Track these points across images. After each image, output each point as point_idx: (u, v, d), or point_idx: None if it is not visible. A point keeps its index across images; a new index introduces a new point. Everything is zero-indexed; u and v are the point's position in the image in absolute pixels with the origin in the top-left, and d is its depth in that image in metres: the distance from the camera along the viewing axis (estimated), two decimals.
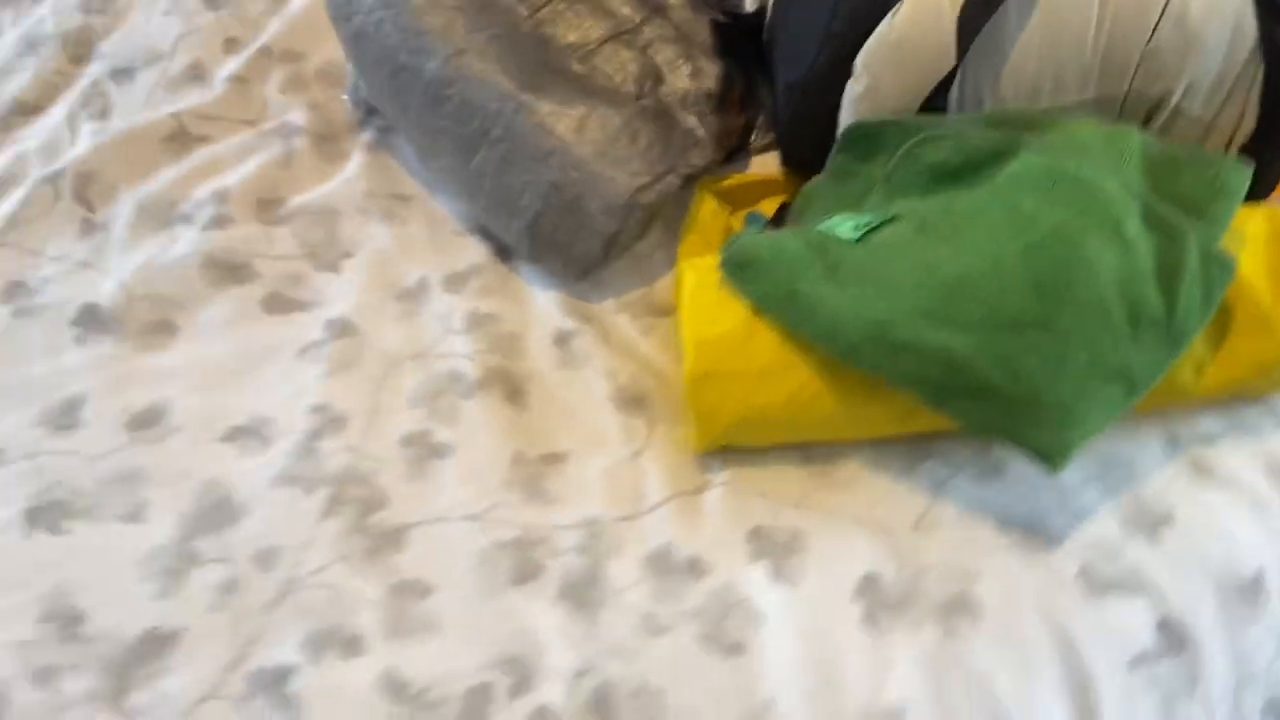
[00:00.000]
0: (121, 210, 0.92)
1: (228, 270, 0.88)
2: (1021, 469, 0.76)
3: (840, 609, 0.70)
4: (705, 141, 0.83)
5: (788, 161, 0.87)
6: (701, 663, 0.69)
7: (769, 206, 0.89)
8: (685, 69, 0.85)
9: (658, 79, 0.85)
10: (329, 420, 0.80)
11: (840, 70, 0.75)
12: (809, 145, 0.80)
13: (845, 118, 0.76)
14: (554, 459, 0.78)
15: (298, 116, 0.99)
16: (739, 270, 0.70)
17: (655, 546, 0.74)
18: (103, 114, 0.99)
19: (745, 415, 0.73)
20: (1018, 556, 0.71)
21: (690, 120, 0.83)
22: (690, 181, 0.83)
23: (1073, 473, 0.75)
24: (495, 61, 0.81)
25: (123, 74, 1.03)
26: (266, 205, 0.92)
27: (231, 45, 1.04)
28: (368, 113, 0.99)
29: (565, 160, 0.79)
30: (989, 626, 0.69)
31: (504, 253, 0.90)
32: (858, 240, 0.69)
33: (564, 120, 0.80)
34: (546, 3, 0.84)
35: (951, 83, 0.71)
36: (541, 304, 0.86)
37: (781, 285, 0.67)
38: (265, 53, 1.03)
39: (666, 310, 0.87)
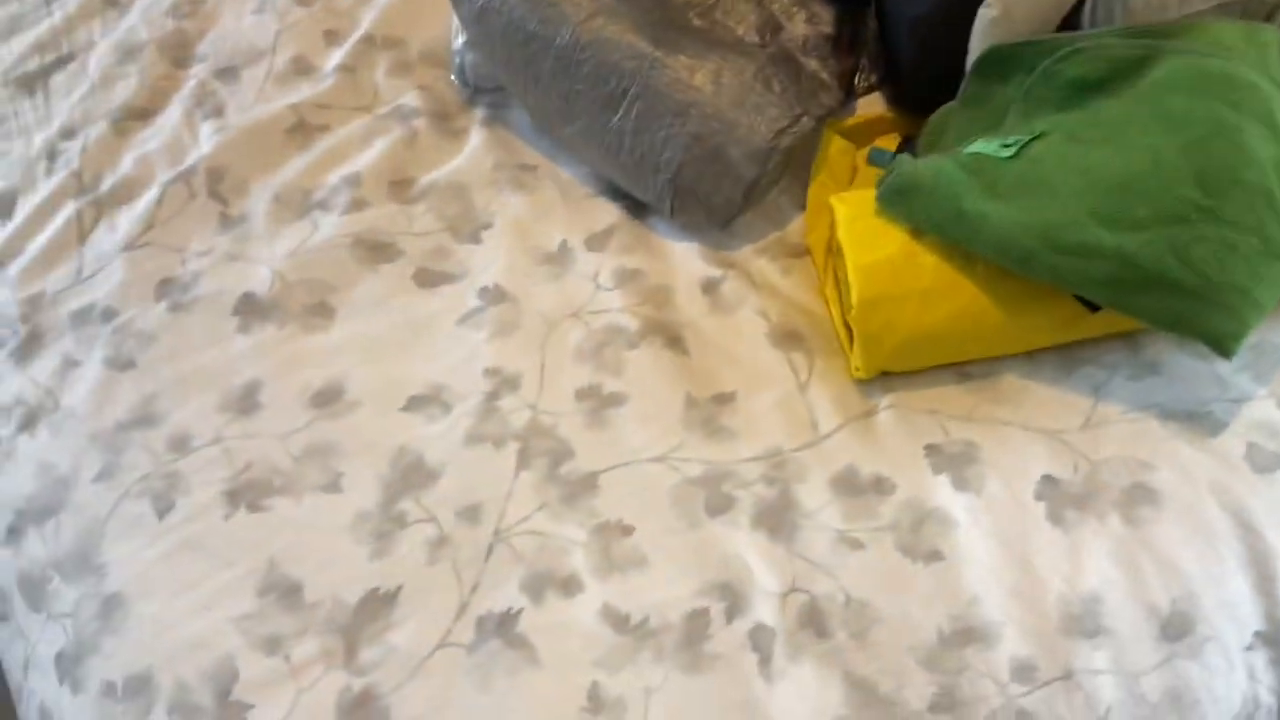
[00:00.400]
0: (257, 202, 0.95)
1: (374, 250, 0.91)
2: (1176, 364, 0.80)
3: (1025, 509, 0.74)
4: (831, 84, 0.86)
5: (902, 99, 0.91)
6: (904, 570, 0.73)
7: (886, 143, 0.92)
8: (801, 15, 0.88)
9: (776, 27, 0.88)
10: (503, 381, 0.83)
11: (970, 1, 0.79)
12: (932, 79, 0.84)
13: (976, 46, 0.79)
14: (724, 398, 0.81)
15: (410, 99, 1.01)
16: (900, 197, 0.74)
17: (839, 469, 0.77)
18: (218, 112, 1.01)
19: (912, 336, 0.76)
20: (1186, 443, 0.76)
21: (813, 64, 0.87)
22: (820, 123, 0.86)
23: (1225, 364, 0.79)
24: (625, 21, 0.84)
25: (227, 73, 1.05)
26: (398, 186, 0.95)
27: (331, 37, 1.07)
28: (475, 91, 1.02)
29: (704, 111, 0.82)
30: (1170, 511, 0.73)
31: (637, 211, 0.93)
32: (1011, 157, 0.72)
33: (699, 73, 0.83)
34: None
35: (1083, 3, 0.74)
36: (682, 256, 0.90)
37: (946, 206, 0.71)
38: (367, 41, 1.05)
39: (800, 251, 0.90)
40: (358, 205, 0.93)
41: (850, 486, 0.76)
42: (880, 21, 0.88)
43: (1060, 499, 0.75)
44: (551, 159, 0.97)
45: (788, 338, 0.85)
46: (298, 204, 0.94)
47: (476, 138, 0.98)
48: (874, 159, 0.91)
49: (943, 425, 0.79)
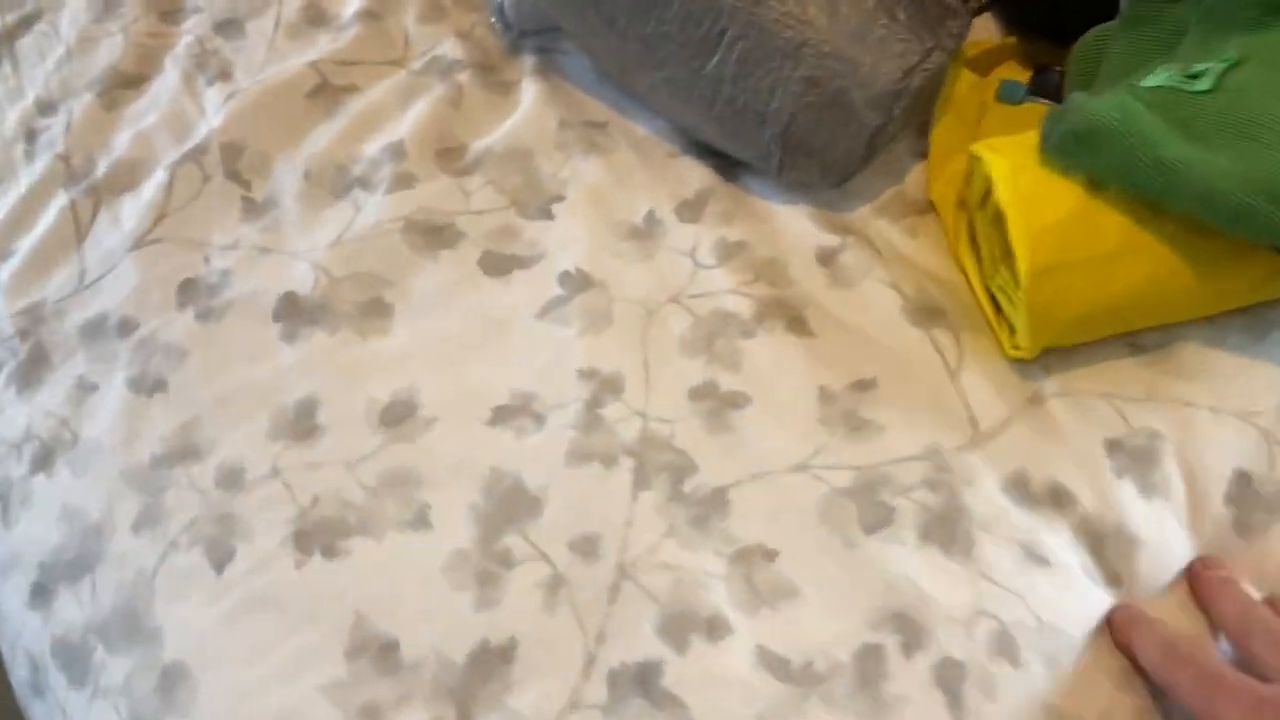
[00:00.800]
0: (285, 182, 0.81)
1: (430, 234, 0.78)
2: None
3: (1216, 524, 0.65)
4: (957, 6, 0.74)
5: (1027, 21, 0.79)
6: (1090, 596, 0.63)
7: (1013, 73, 0.80)
8: None
9: None
10: (602, 384, 0.71)
11: None
12: (1097, 7, 0.72)
13: None
14: (864, 386, 0.70)
15: (448, 49, 0.87)
16: (1080, 144, 0.62)
17: (1009, 472, 0.67)
18: (224, 75, 0.87)
19: (1089, 308, 0.66)
20: None
21: None
22: (950, 57, 0.74)
23: None
24: None
25: (229, 26, 0.90)
26: (448, 155, 0.82)
27: None
28: (520, 34, 0.88)
29: (820, 50, 0.70)
30: None
31: (730, 169, 0.80)
32: (1207, 90, 0.61)
33: (812, 5, 0.70)
34: None
35: None
36: (790, 221, 0.78)
37: (1141, 154, 0.60)
38: None
39: (924, 207, 0.79)
40: (404, 181, 0.80)
41: (1025, 493, 0.66)
42: None
43: (1250, 502, 0.66)
44: (621, 112, 0.84)
45: (926, 312, 0.73)
46: (333, 182, 0.81)
47: (530, 91, 0.85)
48: (1005, 94, 0.79)
49: (1120, 411, 0.69)
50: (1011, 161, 0.66)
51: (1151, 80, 0.65)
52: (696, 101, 0.75)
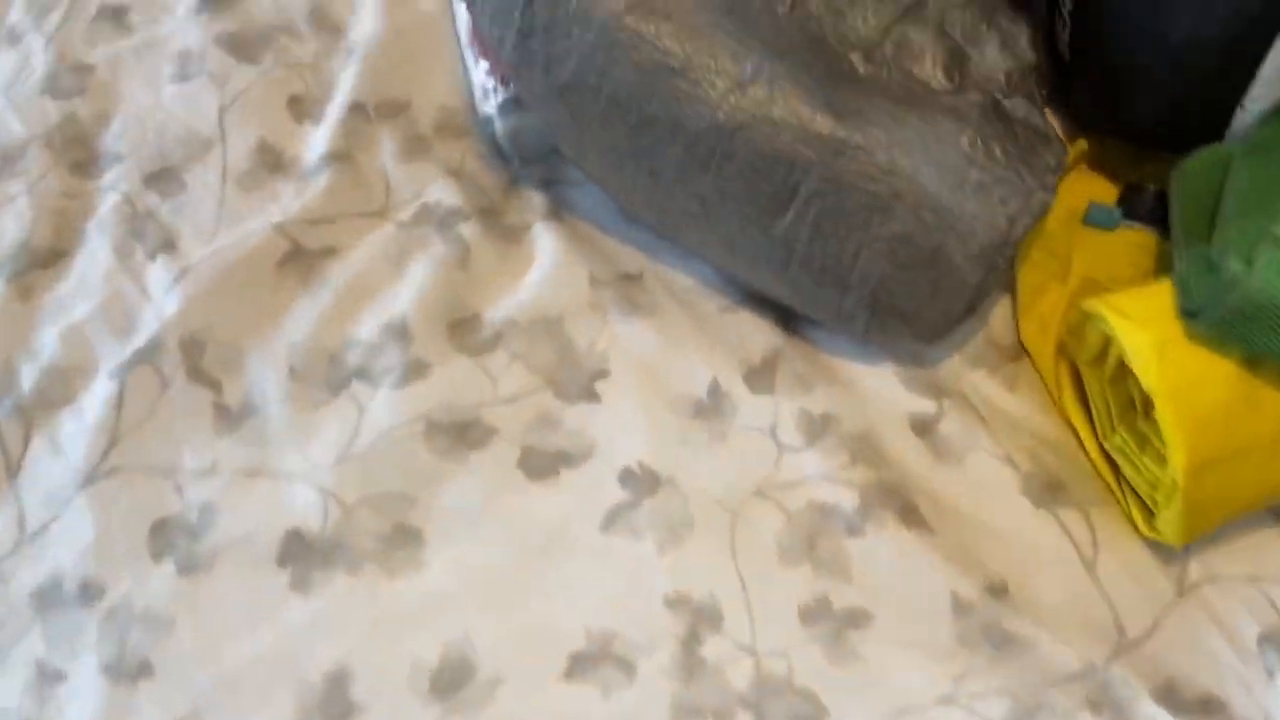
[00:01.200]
0: (265, 380, 0.66)
1: (455, 433, 0.65)
2: None
3: None
4: (1050, 134, 0.65)
5: (1120, 132, 0.71)
6: None
7: (1086, 185, 0.72)
8: (993, 40, 0.66)
9: (964, 61, 0.66)
10: (696, 615, 0.60)
11: (1274, 20, 0.58)
12: (1185, 113, 0.64)
13: (1274, 75, 0.59)
14: (997, 592, 0.61)
15: (440, 192, 0.73)
16: (1249, 323, 0.54)
17: (1160, 683, 0.58)
18: (167, 245, 0.71)
19: (1253, 497, 0.58)
20: None
21: (1023, 108, 0.65)
22: (1053, 194, 0.66)
23: None
24: (789, 86, 0.60)
25: (162, 178, 0.74)
26: (462, 329, 0.69)
27: (300, 107, 0.77)
28: (521, 163, 0.76)
29: (915, 203, 0.60)
30: None
31: (794, 321, 0.70)
32: None
33: (901, 150, 0.60)
34: None
35: None
36: (875, 383, 0.67)
37: None
38: (357, 111, 0.76)
39: (1017, 351, 0.70)
40: (415, 369, 0.67)
41: (1176, 705, 0.58)
42: (1101, 35, 0.67)
43: None
44: (656, 257, 0.72)
45: (1046, 488, 0.64)
46: (326, 375, 0.67)
47: (546, 239, 0.72)
48: (1097, 218, 0.70)
49: (1270, 598, 0.61)
50: (1152, 334, 0.58)
51: None
52: (764, 264, 0.64)
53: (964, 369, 0.68)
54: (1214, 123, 0.65)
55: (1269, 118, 0.62)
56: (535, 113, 0.66)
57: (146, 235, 0.72)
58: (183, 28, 0.80)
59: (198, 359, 0.67)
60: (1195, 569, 0.62)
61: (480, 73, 0.74)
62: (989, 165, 0.61)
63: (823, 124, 0.60)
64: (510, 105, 0.73)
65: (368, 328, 0.68)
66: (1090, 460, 0.65)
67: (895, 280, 0.62)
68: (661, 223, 0.67)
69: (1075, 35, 0.69)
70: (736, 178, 0.61)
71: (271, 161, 0.74)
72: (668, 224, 0.67)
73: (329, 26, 0.80)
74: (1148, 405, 0.62)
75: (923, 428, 0.66)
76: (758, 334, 0.69)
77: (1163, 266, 0.70)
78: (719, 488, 0.64)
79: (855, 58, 0.64)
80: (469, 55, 0.76)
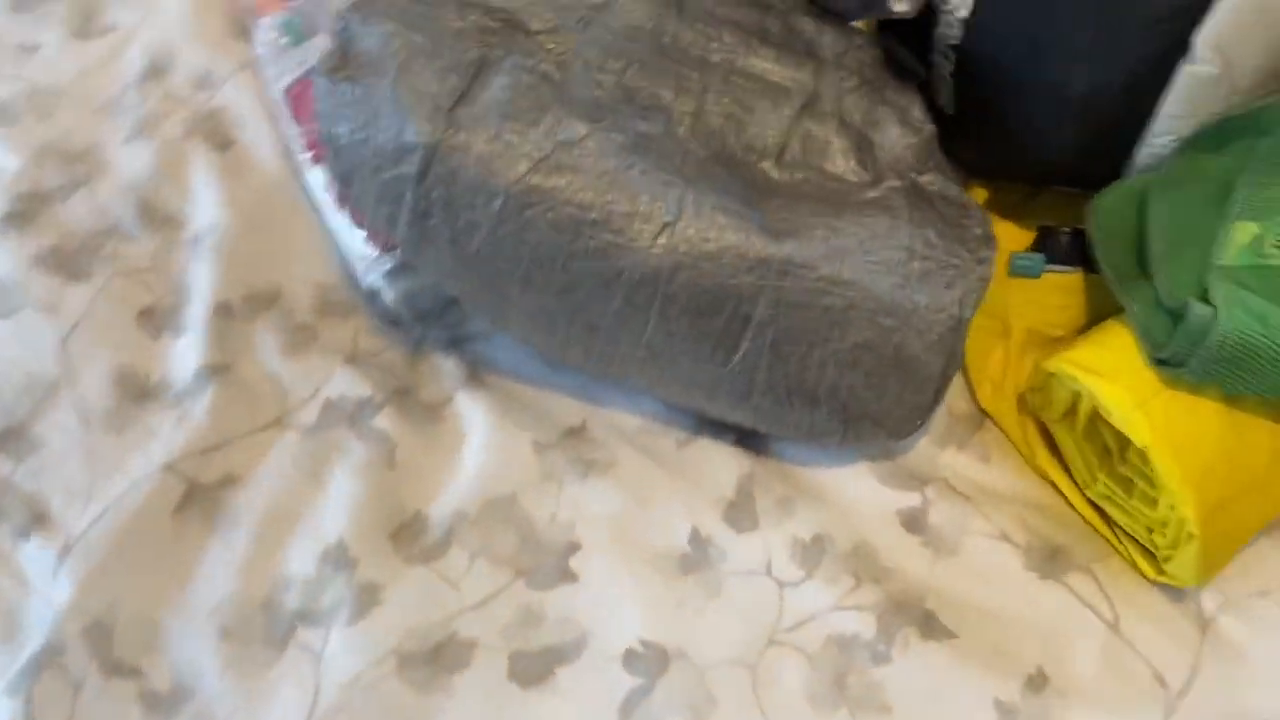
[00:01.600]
0: (192, 653, 0.57)
1: (431, 661, 0.57)
2: None
3: None
4: (970, 201, 0.63)
5: (1022, 177, 0.70)
6: None
7: (1000, 240, 0.71)
8: (890, 118, 0.63)
9: (870, 147, 0.63)
10: None
11: (1172, 59, 0.58)
12: (1104, 159, 0.64)
13: (1179, 112, 0.60)
14: (1037, 685, 0.58)
15: (342, 383, 0.65)
16: (1230, 366, 0.54)
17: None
18: (39, 520, 0.60)
19: (1259, 524, 0.58)
20: None
21: (939, 182, 0.63)
22: (992, 265, 0.64)
23: None
24: (717, 215, 0.55)
25: (10, 440, 0.63)
26: (407, 536, 0.61)
27: (154, 320, 0.66)
28: (420, 327, 0.68)
29: (870, 309, 0.57)
30: None
31: (755, 440, 0.65)
32: None
33: (844, 259, 0.57)
34: (702, 99, 0.59)
35: None
36: (855, 487, 0.64)
37: None
38: (223, 311, 0.67)
39: (978, 420, 0.68)
40: (367, 596, 0.58)
41: None
42: (991, 92, 0.66)
43: None
44: (594, 400, 0.66)
45: (1048, 557, 0.62)
46: (265, 631, 0.58)
47: (474, 409, 0.65)
48: (1022, 269, 0.69)
49: None
50: (1129, 390, 0.57)
51: (1233, 255, 0.58)
52: (724, 395, 0.60)
53: (935, 451, 0.66)
54: (1115, 159, 0.65)
55: (1178, 152, 0.63)
56: (440, 284, 0.59)
57: (8, 512, 0.61)
58: None
59: (108, 649, 0.57)
60: (1208, 601, 0.61)
61: (357, 241, 0.67)
62: (929, 253, 0.59)
63: (760, 247, 0.56)
64: (399, 270, 0.66)
65: (299, 561, 0.60)
66: (1080, 515, 0.65)
67: (864, 387, 0.59)
68: (603, 370, 0.62)
69: (960, 94, 0.68)
70: (681, 318, 0.57)
71: (136, 390, 0.65)
72: (611, 370, 0.62)
73: (163, 220, 0.71)
74: (1124, 448, 0.61)
75: (913, 523, 0.63)
76: (724, 463, 0.64)
77: (1095, 303, 0.70)
78: (730, 647, 0.59)
79: (767, 165, 0.60)
80: (336, 221, 0.69)
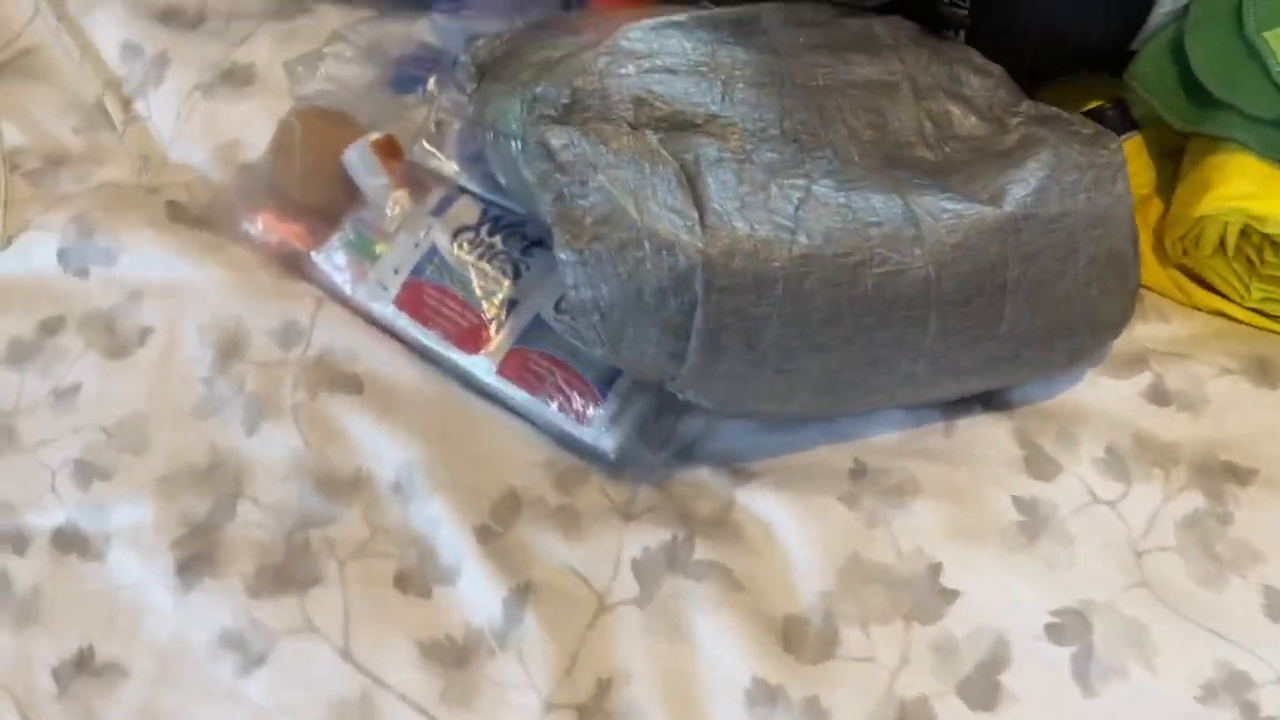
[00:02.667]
0: None
1: None
2: None
3: None
4: (1065, 111, 0.69)
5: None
6: None
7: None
8: (970, 71, 0.67)
9: (972, 101, 0.67)
10: None
11: None
12: (1118, 35, 0.71)
13: None
14: None
15: (635, 541, 0.62)
16: None
17: None
18: None
19: None
20: None
21: (1035, 107, 0.68)
22: None
23: None
24: (941, 203, 0.58)
25: None
26: (798, 641, 0.58)
27: (410, 582, 0.60)
28: (647, 449, 0.66)
29: (1084, 227, 0.61)
30: None
31: (992, 399, 0.68)
32: None
33: (1048, 196, 0.60)
34: (846, 120, 0.61)
35: None
36: (1099, 394, 0.68)
37: None
38: (482, 535, 0.61)
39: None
40: (816, 712, 0.57)
41: None
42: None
43: None
44: (843, 438, 0.66)
45: (1261, 369, 0.69)
46: None
47: (760, 499, 0.63)
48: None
49: None
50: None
51: None
52: (997, 366, 0.62)
53: (1128, 334, 0.71)
54: (1128, 31, 0.74)
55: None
56: (724, 401, 0.58)
57: None
58: None
59: None
60: None
61: (551, 410, 0.64)
62: (1088, 162, 0.64)
63: (990, 216, 0.60)
64: (618, 412, 0.64)
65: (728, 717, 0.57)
66: (1253, 324, 0.73)
67: (1100, 297, 0.64)
68: (870, 404, 0.64)
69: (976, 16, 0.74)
70: (953, 313, 0.59)
71: (455, 658, 0.57)
72: (875, 401, 0.63)
73: (349, 486, 0.63)
74: (1261, 253, 0.70)
75: (1160, 396, 0.68)
76: (991, 430, 0.66)
77: (1155, 157, 0.78)
78: (1113, 577, 0.61)
79: (922, 152, 0.64)
80: (515, 397, 0.65)
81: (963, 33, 0.75)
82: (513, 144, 0.59)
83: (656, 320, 0.55)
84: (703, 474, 0.66)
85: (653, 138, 0.56)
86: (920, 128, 0.65)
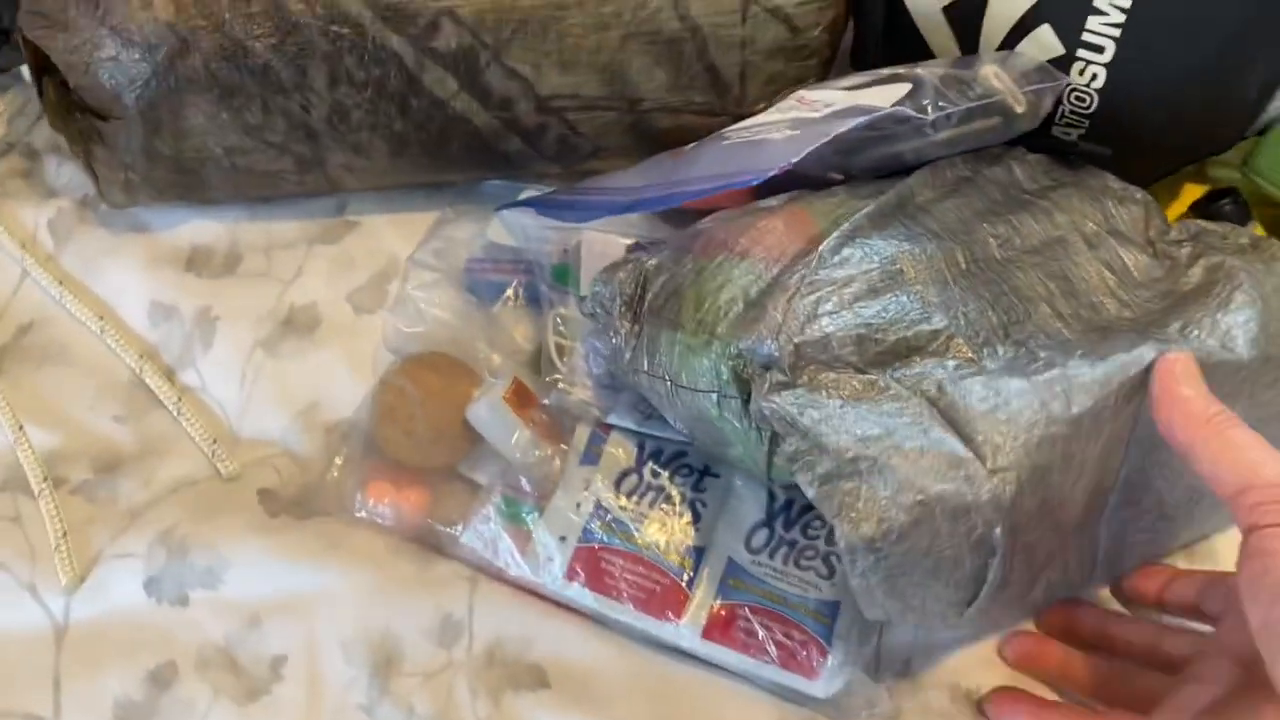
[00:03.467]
0: None
1: None
2: None
3: None
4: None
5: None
6: None
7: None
8: (1116, 202, 0.63)
9: (1130, 236, 0.62)
10: None
11: None
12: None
13: None
14: None
15: None
16: None
17: None
18: None
19: None
20: None
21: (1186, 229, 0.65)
22: None
23: None
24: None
25: None
26: None
27: None
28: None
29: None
30: None
31: None
32: None
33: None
34: (1041, 292, 0.56)
35: None
36: None
37: None
38: None
39: None
40: None
41: None
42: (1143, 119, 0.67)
43: None
44: None
45: None
46: None
47: None
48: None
49: None
50: None
51: None
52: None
53: None
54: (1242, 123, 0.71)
55: None
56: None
57: None
58: None
59: None
60: None
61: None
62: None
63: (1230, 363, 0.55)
64: (841, 654, 0.57)
65: None
66: None
67: None
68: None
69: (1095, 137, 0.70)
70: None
71: None
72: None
73: None
74: None
75: None
76: None
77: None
78: None
79: (1115, 309, 0.58)
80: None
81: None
82: (705, 399, 0.52)
83: (949, 582, 0.49)
84: (928, 696, 0.60)
85: (887, 378, 0.50)
86: (1104, 282, 0.60)
